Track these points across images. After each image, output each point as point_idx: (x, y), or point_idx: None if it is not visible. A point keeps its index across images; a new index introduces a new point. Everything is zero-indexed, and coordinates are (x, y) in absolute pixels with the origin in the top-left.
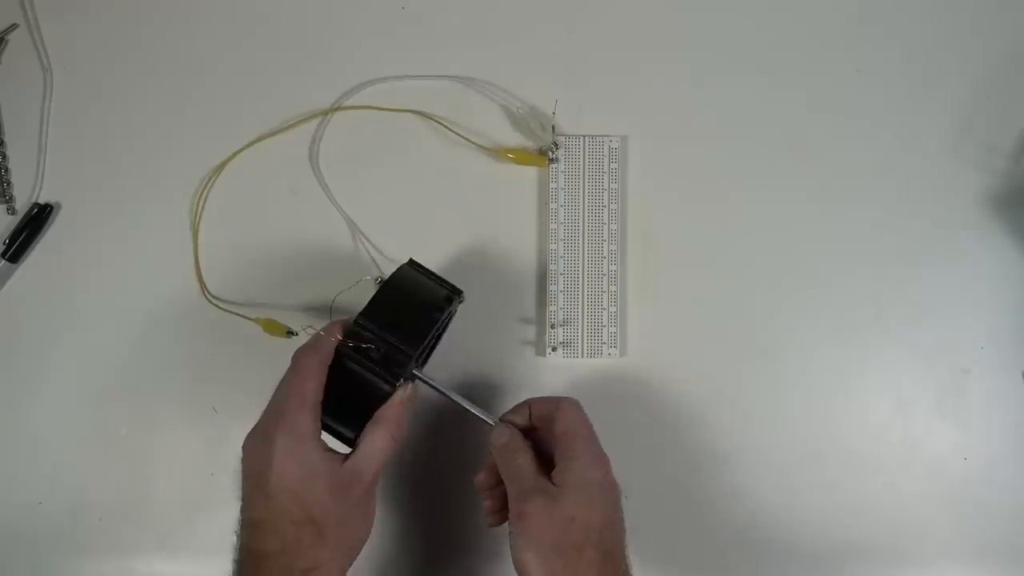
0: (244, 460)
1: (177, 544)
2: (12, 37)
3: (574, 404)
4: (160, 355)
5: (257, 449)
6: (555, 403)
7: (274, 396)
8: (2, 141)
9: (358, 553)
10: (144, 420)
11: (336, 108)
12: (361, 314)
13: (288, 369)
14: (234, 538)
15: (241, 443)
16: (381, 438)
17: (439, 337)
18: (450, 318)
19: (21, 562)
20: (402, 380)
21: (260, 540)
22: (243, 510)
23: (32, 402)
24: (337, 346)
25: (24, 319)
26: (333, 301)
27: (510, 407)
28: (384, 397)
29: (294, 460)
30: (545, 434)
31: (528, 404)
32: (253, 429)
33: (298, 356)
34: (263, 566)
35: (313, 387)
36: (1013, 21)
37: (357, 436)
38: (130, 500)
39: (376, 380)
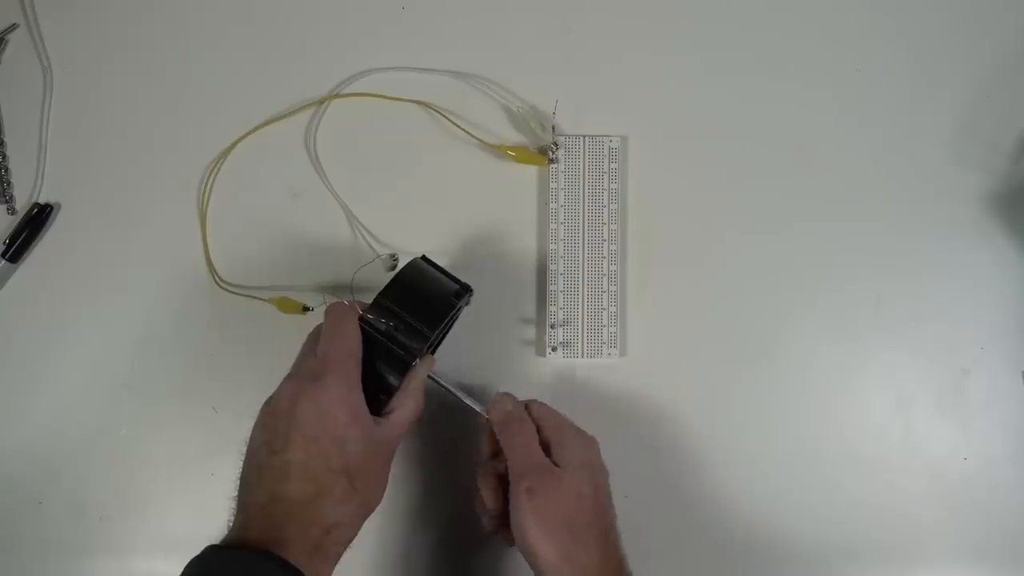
0: (279, 404)
1: (177, 544)
2: (12, 37)
3: (542, 402)
4: (159, 354)
5: (302, 391)
6: (523, 404)
7: (312, 350)
8: (2, 141)
9: (365, 518)
10: (144, 420)
11: (337, 95)
12: (381, 293)
13: (324, 324)
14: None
15: (241, 442)
16: (409, 406)
17: (445, 334)
18: (458, 314)
19: (21, 562)
20: (418, 357)
21: (292, 485)
22: (274, 453)
23: (32, 402)
24: (359, 318)
25: (24, 319)
26: (353, 277)
27: None
28: (402, 369)
29: (344, 404)
30: None
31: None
32: (291, 377)
33: (334, 312)
34: (292, 515)
35: (356, 340)
36: (1014, 21)
37: (370, 405)
38: (130, 500)
39: (398, 351)
